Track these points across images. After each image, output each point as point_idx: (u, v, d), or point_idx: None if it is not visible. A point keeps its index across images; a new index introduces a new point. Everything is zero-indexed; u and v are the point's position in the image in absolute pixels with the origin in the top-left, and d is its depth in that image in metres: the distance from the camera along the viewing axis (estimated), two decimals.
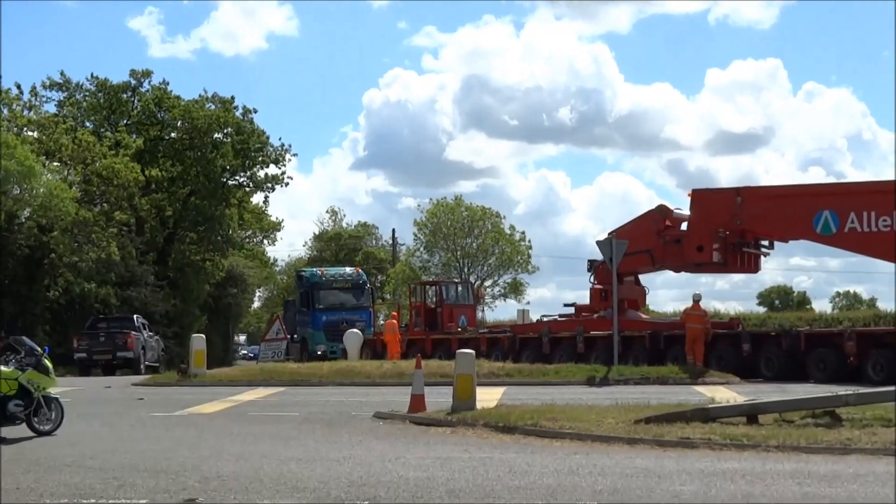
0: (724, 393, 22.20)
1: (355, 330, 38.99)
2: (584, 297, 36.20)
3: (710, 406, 16.02)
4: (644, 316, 35.38)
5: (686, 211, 32.66)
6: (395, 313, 41.18)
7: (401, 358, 34.69)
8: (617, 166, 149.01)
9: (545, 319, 36.44)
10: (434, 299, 41.99)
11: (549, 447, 14.39)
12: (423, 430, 16.81)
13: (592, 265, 34.32)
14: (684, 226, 32.65)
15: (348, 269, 48.82)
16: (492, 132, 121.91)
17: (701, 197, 32.31)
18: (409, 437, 15.92)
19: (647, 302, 36.30)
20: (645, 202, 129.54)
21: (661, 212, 33.11)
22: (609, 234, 32.28)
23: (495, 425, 16.26)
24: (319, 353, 42.95)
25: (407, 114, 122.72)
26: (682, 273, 35.67)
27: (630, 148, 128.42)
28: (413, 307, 42.48)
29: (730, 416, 15.46)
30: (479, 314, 44.33)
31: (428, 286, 44.06)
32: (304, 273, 48.45)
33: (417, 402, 18.80)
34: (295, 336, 46.44)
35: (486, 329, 39.98)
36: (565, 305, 36.96)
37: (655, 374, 27.75)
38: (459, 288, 44.01)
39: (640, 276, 34.91)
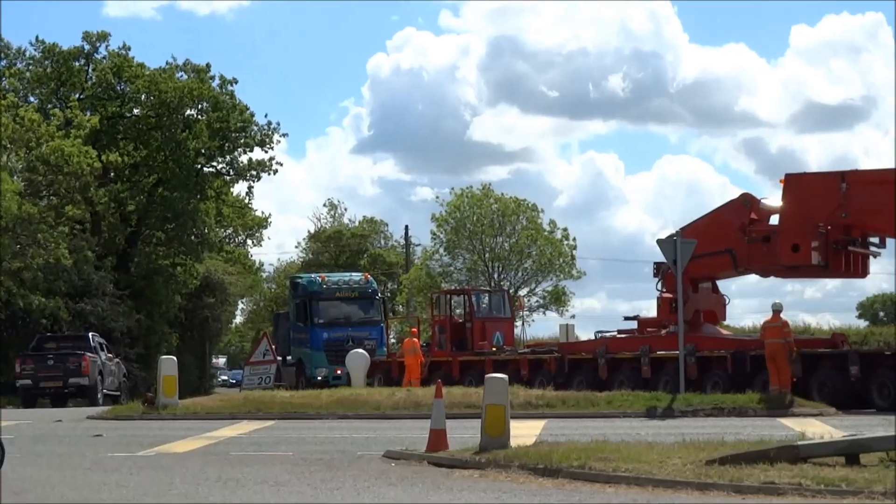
0: (817, 427, 22.11)
1: (360, 350, 39.10)
2: (643, 309, 36.20)
3: (799, 443, 15.96)
4: (724, 332, 35.21)
5: (776, 201, 32.50)
6: (414, 329, 41.18)
7: (419, 385, 34.74)
8: (681, 147, 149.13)
9: (601, 336, 36.40)
10: (462, 312, 42.04)
11: (601, 493, 14.38)
12: (444, 474, 16.83)
13: (660, 269, 34.23)
14: (774, 219, 32.47)
15: (355, 276, 48.96)
16: (526, 106, 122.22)
17: (796, 183, 32.09)
18: (427, 481, 15.93)
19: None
20: (717, 192, 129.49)
21: (746, 202, 32.94)
22: (677, 231, 32.20)
23: (534, 467, 16.28)
24: (320, 378, 43.07)
25: (421, 84, 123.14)
26: (769, 279, 35.46)
27: (697, 124, 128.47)
28: (436, 322, 42.46)
29: (824, 456, 15.41)
30: (518, 330, 44.28)
31: (454, 296, 44.09)
32: (300, 280, 48.60)
33: (438, 439, 18.82)
34: (288, 357, 46.59)
35: (527, 349, 39.89)
36: (626, 319, 36.87)
37: (731, 403, 27.67)
38: (493, 297, 44.02)
39: (720, 283, 34.75)
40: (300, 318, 45.87)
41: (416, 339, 38.44)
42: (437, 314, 42.92)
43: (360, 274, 50.14)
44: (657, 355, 32.91)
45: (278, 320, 50.61)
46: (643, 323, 35.35)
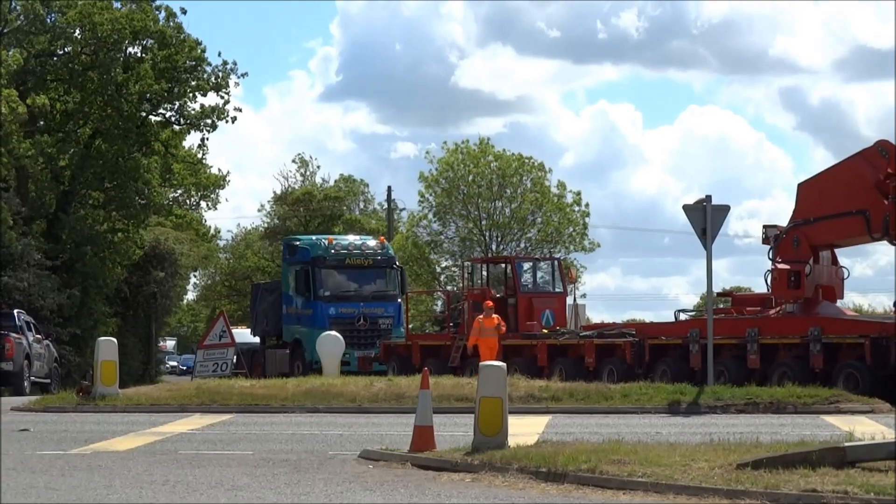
0: (867, 425, 22.26)
1: (332, 332, 39.04)
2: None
3: (846, 445, 16.07)
4: (849, 311, 34.89)
5: None
6: (489, 302, 37.10)
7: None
8: (708, 97, 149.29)
9: (684, 318, 35.89)
10: (503, 285, 41.37)
11: (614, 502, 14.48)
12: (430, 477, 16.97)
13: (768, 234, 33.82)
14: None
15: (369, 239, 48.58)
16: (523, 48, 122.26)
17: None
18: (410, 486, 16.06)
19: None
20: (751, 149, 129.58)
21: (883, 152, 32.10)
22: (799, 185, 31.74)
23: (536, 471, 16.42)
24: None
25: (400, 20, 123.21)
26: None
27: (726, 70, 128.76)
28: (469, 296, 40.77)
29: (876, 460, 15.52)
30: (569, 309, 42.72)
31: (493, 265, 43.74)
32: (298, 243, 48.25)
33: (423, 437, 18.94)
34: (278, 338, 46.57)
35: (589, 331, 37.54)
36: (717, 296, 36.35)
37: (768, 398, 27.87)
38: (542, 267, 43.25)
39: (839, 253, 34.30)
40: (299, 289, 45.60)
41: (495, 317, 35.73)
42: (471, 287, 42.15)
43: (374, 238, 49.59)
44: (768, 341, 32.33)
45: (260, 292, 50.32)
46: (739, 301, 34.93)
